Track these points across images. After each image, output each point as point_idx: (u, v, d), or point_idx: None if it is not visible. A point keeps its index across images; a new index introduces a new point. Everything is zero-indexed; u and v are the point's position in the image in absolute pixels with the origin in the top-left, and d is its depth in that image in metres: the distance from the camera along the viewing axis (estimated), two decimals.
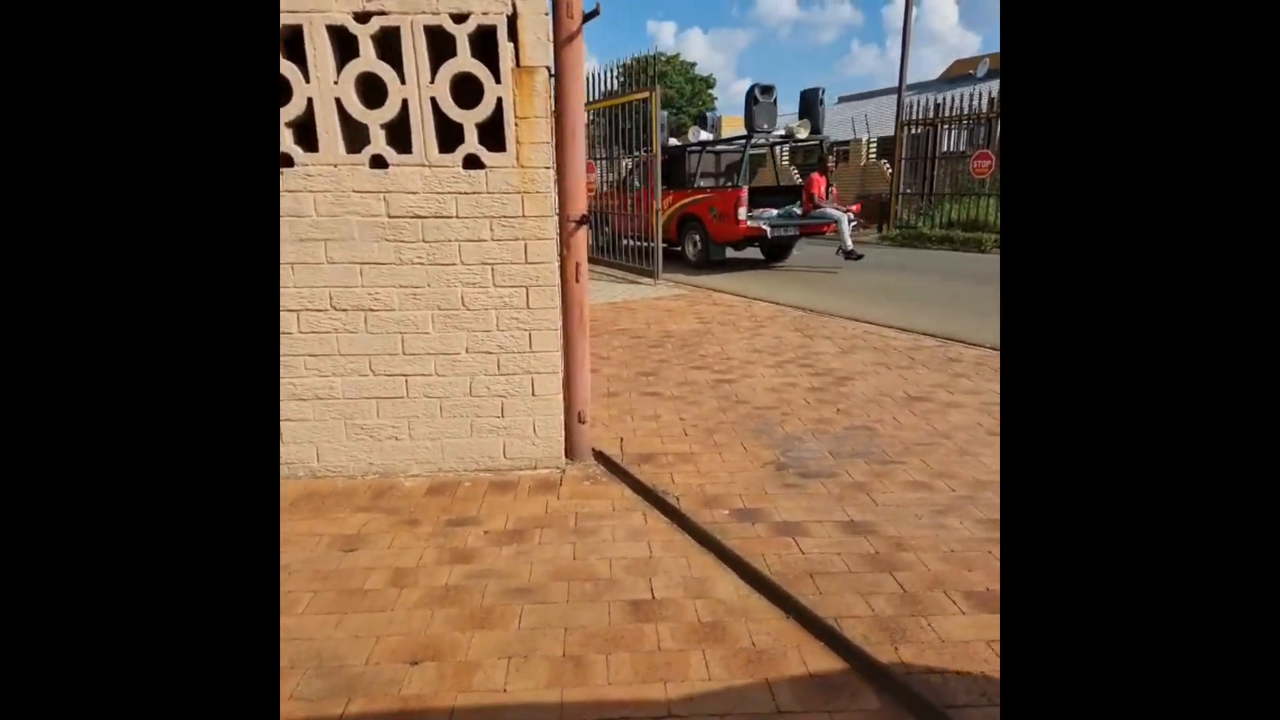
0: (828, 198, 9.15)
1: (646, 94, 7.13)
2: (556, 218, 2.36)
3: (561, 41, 2.21)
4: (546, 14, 2.14)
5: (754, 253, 9.88)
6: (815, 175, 9.35)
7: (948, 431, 2.91)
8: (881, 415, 3.12)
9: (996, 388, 3.51)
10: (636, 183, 8.06)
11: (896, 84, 14.33)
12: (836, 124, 23.92)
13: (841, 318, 5.56)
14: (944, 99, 13.89)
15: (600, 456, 2.59)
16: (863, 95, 32.02)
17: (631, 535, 2.04)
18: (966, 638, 1.56)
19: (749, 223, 8.27)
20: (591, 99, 8.22)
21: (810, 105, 9.16)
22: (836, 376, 3.76)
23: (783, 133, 9.27)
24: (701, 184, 9.44)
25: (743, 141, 8.89)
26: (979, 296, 6.79)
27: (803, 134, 9.01)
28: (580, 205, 2.37)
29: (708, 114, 10.72)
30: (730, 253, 9.22)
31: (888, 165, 16.29)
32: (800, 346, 4.48)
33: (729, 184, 9.36)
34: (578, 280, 2.42)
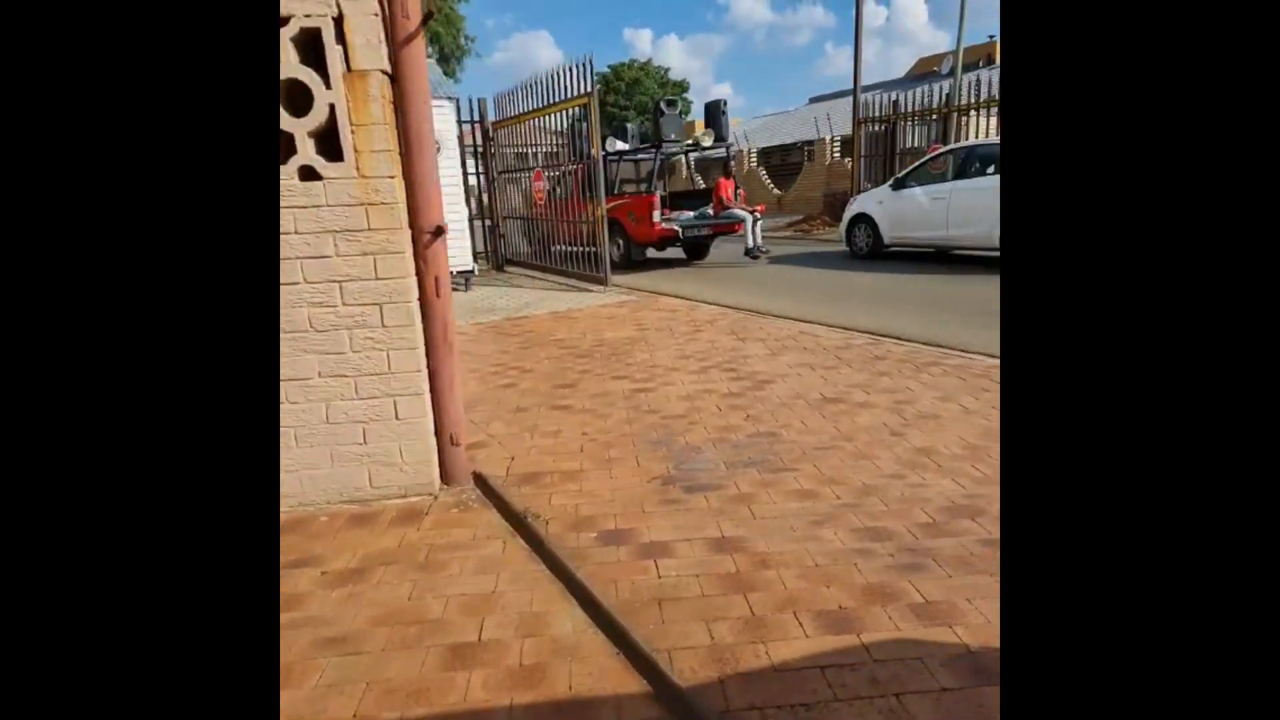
0: (735, 199, 9.72)
1: (584, 100, 7.03)
2: (408, 231, 2.23)
3: (399, 43, 2.08)
4: (377, 15, 2.02)
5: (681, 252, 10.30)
6: (722, 179, 9.85)
7: (851, 434, 2.80)
8: (790, 419, 3.01)
9: (913, 384, 3.42)
10: (562, 190, 8.07)
11: (870, 83, 14.39)
12: (807, 124, 24.04)
13: (785, 318, 5.47)
14: (900, 96, 13.93)
15: (479, 480, 2.46)
16: (832, 95, 32.28)
17: (482, 568, 1.91)
18: (800, 665, 1.44)
19: (663, 224, 8.88)
20: (534, 107, 8.11)
21: (714, 115, 9.79)
22: (757, 380, 3.66)
23: (690, 142, 9.89)
24: (626, 190, 9.98)
25: (652, 151, 9.51)
26: (924, 291, 6.74)
27: (707, 142, 9.67)
28: (435, 216, 2.25)
29: (627, 125, 11.03)
30: (652, 253, 9.80)
31: (849, 162, 16.31)
32: (730, 350, 4.38)
33: (645, 190, 9.73)
34: (439, 295, 2.29)
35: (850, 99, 14.57)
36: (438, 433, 2.39)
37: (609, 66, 49.66)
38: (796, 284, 7.69)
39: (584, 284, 7.71)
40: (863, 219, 9.38)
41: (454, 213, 7.41)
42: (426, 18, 2.11)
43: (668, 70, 51.43)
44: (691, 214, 9.69)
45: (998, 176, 7.94)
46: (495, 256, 10.17)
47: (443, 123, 7.16)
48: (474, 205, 10.27)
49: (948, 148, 9.65)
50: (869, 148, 14.26)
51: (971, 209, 7.80)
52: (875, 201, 9.33)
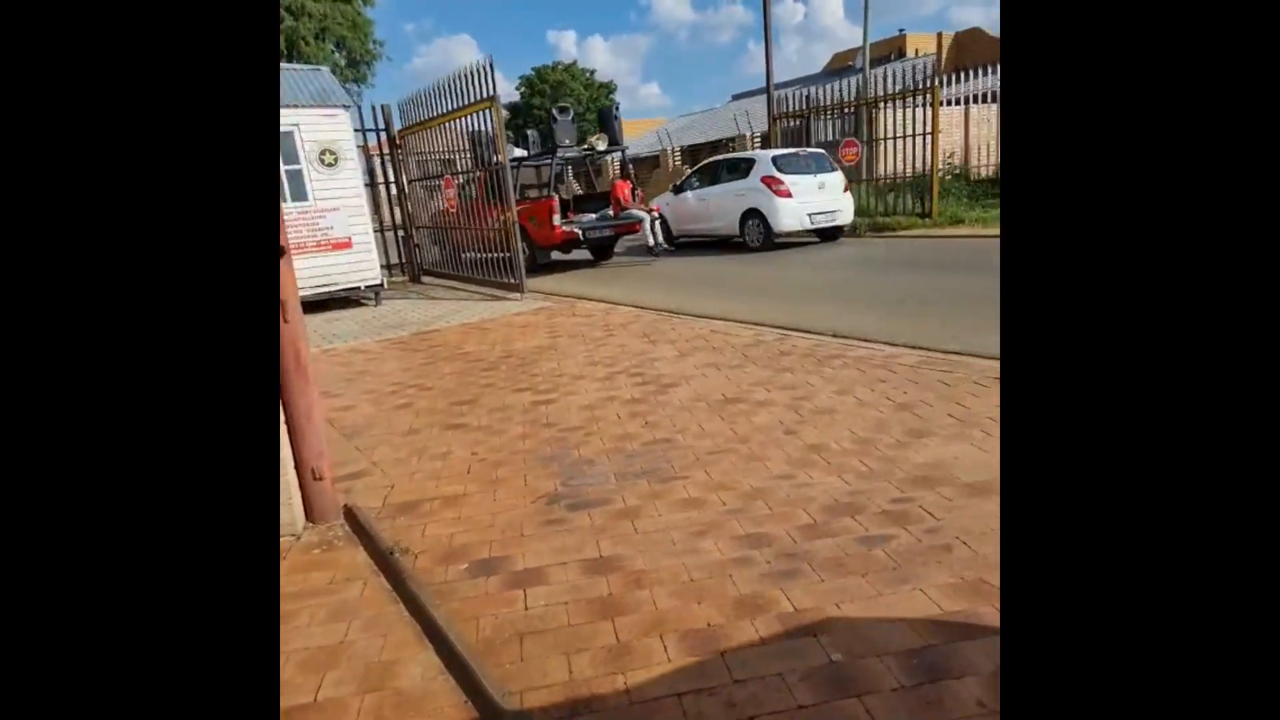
0: (634, 200, 10.08)
1: (488, 104, 6.85)
2: None
3: None
4: None
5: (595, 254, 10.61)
6: (619, 182, 10.33)
7: (747, 435, 2.77)
8: (689, 424, 2.96)
9: (814, 379, 3.42)
10: (470, 197, 7.97)
11: (789, 79, 14.61)
12: (729, 122, 24.34)
13: (702, 316, 5.45)
14: (813, 91, 14.21)
15: (350, 514, 2.30)
16: (754, 92, 32.83)
17: (336, 615, 1.76)
18: (658, 693, 1.37)
19: (564, 227, 9.20)
20: (440, 112, 7.88)
21: (606, 120, 10.27)
22: (662, 384, 3.60)
23: (585, 147, 10.19)
24: (529, 195, 10.20)
25: (548, 156, 9.73)
26: (836, 282, 6.85)
27: (601, 146, 10.03)
28: (280, 236, 2.08)
29: (529, 132, 11.02)
30: (557, 256, 10.05)
31: None
32: (640, 354, 4.31)
33: (545, 194, 9.89)
34: (286, 320, 2.13)
35: (784, 90, 14.78)
36: (298, 468, 2.22)
37: (533, 69, 49.15)
38: (716, 279, 7.71)
39: (501, 293, 7.53)
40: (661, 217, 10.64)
41: (358, 225, 7.13)
42: None
43: (593, 72, 51.34)
44: (593, 216, 10.01)
45: (736, 181, 10.04)
46: (411, 268, 9.86)
47: (338, 132, 6.89)
48: (386, 215, 9.92)
49: (720, 157, 11.33)
50: (785, 142, 14.51)
51: (722, 206, 10.12)
52: (665, 203, 11.08)
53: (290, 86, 6.99)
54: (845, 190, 10.32)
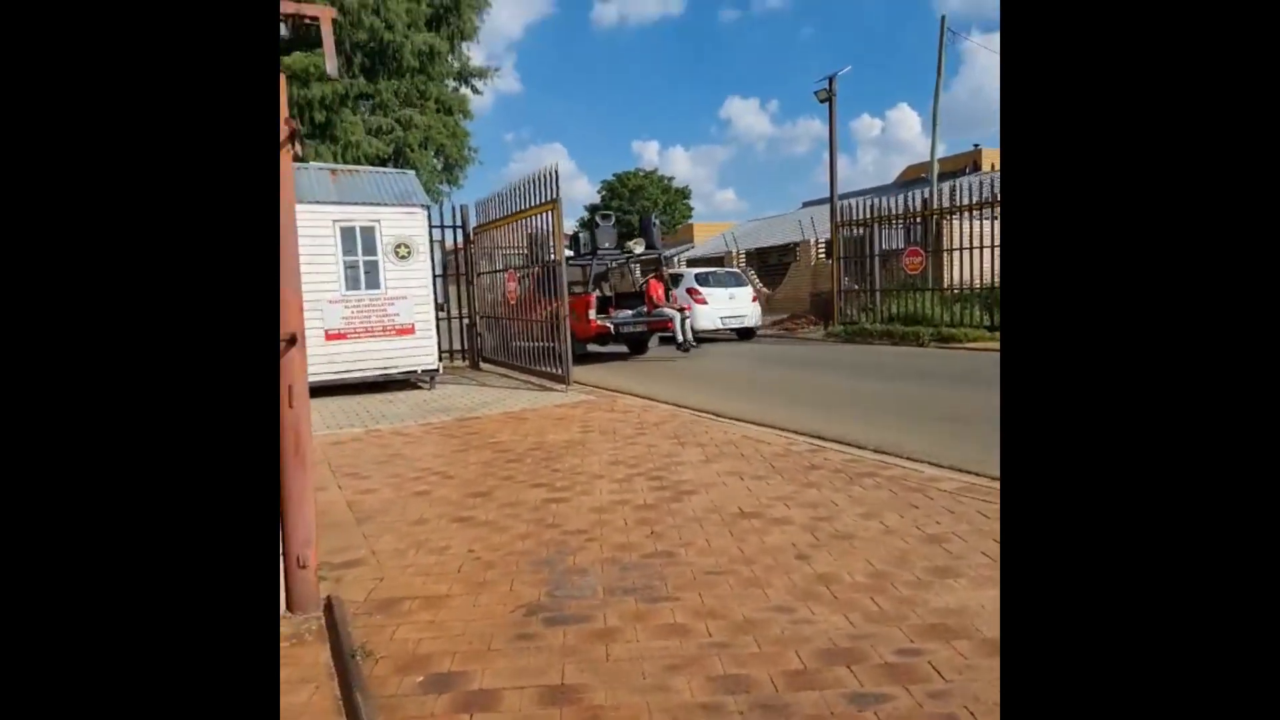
0: (667, 299, 10.86)
1: (550, 206, 7.21)
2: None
3: None
4: None
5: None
6: (653, 281, 11.13)
7: (754, 555, 2.59)
8: (695, 537, 2.81)
9: (840, 498, 3.22)
10: (527, 290, 8.27)
11: (861, 188, 14.94)
12: (795, 227, 24.79)
13: (739, 420, 5.33)
14: (878, 201, 14.34)
15: (329, 607, 2.25)
16: (822, 200, 33.54)
17: None
18: None
19: (599, 321, 9.92)
20: (502, 214, 8.35)
21: (645, 227, 11.48)
22: (679, 490, 3.46)
23: (624, 249, 11.25)
24: (574, 291, 10.76)
25: (590, 257, 10.73)
26: (883, 394, 6.61)
27: (638, 250, 11.20)
28: (290, 324, 2.17)
29: (578, 234, 11.73)
30: (594, 348, 10.76)
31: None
32: (665, 456, 4.20)
33: (583, 291, 10.90)
34: (291, 405, 2.17)
35: (840, 203, 14.99)
36: (285, 553, 2.20)
37: (614, 175, 52.18)
38: (765, 384, 7.59)
39: (548, 383, 7.63)
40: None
41: (421, 313, 7.47)
42: (290, 136, 2.11)
43: (671, 178, 53.90)
44: (630, 313, 10.75)
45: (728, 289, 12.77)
46: (472, 354, 10.19)
47: (415, 229, 7.36)
48: (454, 305, 10.42)
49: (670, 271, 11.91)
50: (848, 250, 14.56)
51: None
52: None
53: (378, 187, 7.60)
54: (753, 300, 13.33)
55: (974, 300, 11.93)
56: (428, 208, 7.58)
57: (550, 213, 7.24)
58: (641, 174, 52.00)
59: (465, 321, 10.26)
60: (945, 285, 12.53)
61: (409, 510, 3.36)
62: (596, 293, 10.72)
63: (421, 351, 7.49)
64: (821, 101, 15.14)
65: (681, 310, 10.52)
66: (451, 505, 3.41)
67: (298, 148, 2.19)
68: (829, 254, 21.35)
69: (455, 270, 10.05)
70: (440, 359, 10.14)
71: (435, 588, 2.42)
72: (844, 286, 14.38)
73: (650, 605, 2.22)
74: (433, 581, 2.47)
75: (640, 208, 49.93)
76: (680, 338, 10.16)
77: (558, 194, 7.10)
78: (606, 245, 10.75)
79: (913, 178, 32.01)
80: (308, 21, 2.13)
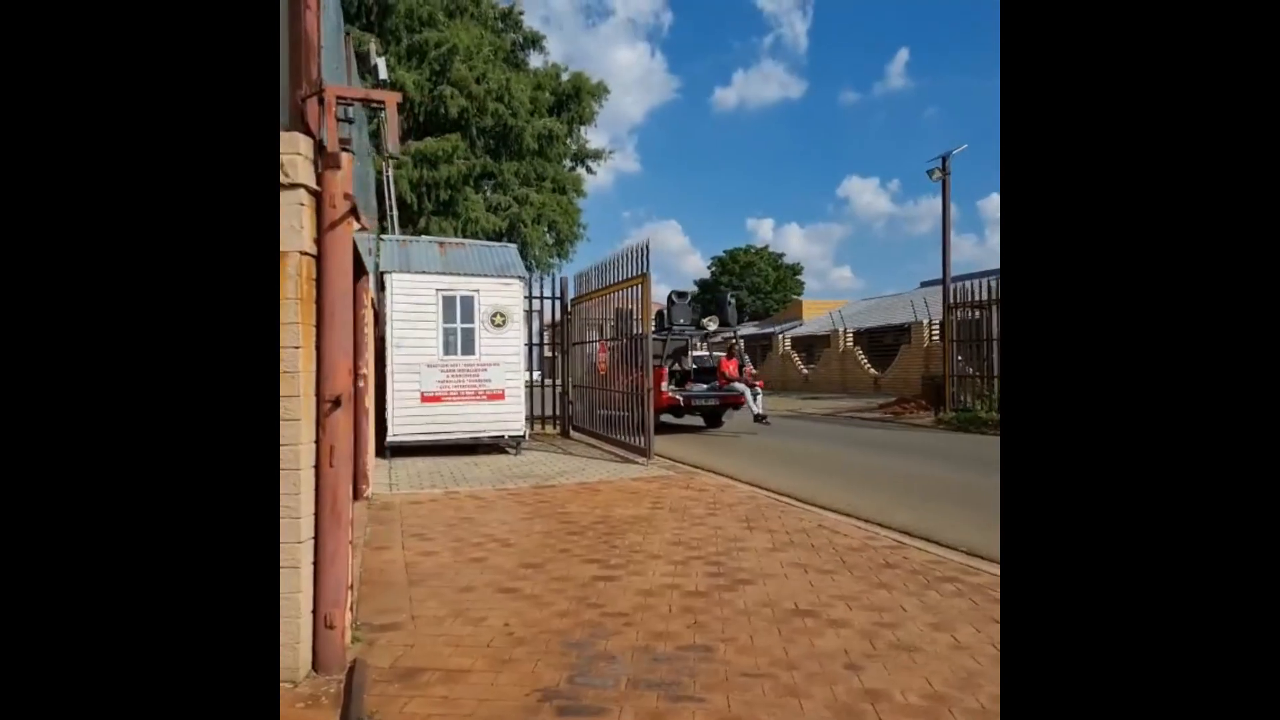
0: (741, 375, 11.15)
1: (640, 280, 7.37)
2: (313, 399, 2.27)
3: (325, 228, 2.26)
4: (304, 205, 2.21)
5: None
6: (725, 358, 11.40)
7: (798, 660, 2.36)
8: (739, 633, 2.61)
9: (912, 603, 2.91)
10: (615, 362, 8.43)
11: (986, 269, 14.36)
12: (905, 308, 23.92)
13: (818, 508, 5.04)
14: (998, 282, 13.60)
15: (351, 671, 2.25)
16: (940, 280, 32.29)
17: None
18: None
19: (670, 393, 10.39)
20: (597, 287, 8.62)
21: (720, 306, 12.35)
22: (736, 579, 3.27)
23: (696, 327, 11.89)
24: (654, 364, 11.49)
25: (665, 332, 11.33)
26: (987, 489, 6.03)
27: (712, 327, 11.86)
28: (338, 386, 2.28)
29: (659, 310, 12.28)
30: (668, 419, 11.37)
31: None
32: (732, 540, 4.01)
33: (658, 365, 11.51)
34: (331, 465, 2.26)
35: (959, 284, 14.35)
36: (315, 612, 2.25)
37: (725, 251, 53.07)
38: (860, 471, 7.17)
39: (631, 455, 7.59)
40: None
41: (512, 380, 7.73)
42: (351, 210, 2.29)
43: (782, 255, 54.05)
44: (705, 387, 11.33)
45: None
46: (563, 422, 10.39)
47: (511, 299, 7.73)
48: (550, 374, 10.78)
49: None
50: (962, 333, 13.80)
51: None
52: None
53: (481, 259, 8.11)
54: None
55: None
56: (524, 279, 7.95)
57: (639, 286, 7.39)
58: (752, 250, 52.48)
59: (559, 390, 10.53)
60: None
61: (460, 577, 3.36)
62: (668, 366, 11.34)
63: (510, 416, 7.72)
64: (935, 180, 14.82)
65: (752, 386, 10.94)
66: (503, 574, 3.39)
67: (363, 220, 2.36)
68: (943, 336, 20.42)
69: (552, 340, 10.42)
70: (532, 425, 10.46)
71: (460, 660, 2.37)
72: (957, 371, 13.58)
73: (671, 704, 2.05)
74: (460, 654, 2.43)
75: (750, 283, 50.19)
76: (756, 409, 10.68)
77: (647, 268, 7.26)
78: (681, 322, 11.52)
79: None
80: (374, 106, 2.32)
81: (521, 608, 2.90)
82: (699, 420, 11.79)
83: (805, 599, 2.99)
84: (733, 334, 12.26)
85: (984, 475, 6.76)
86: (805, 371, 26.47)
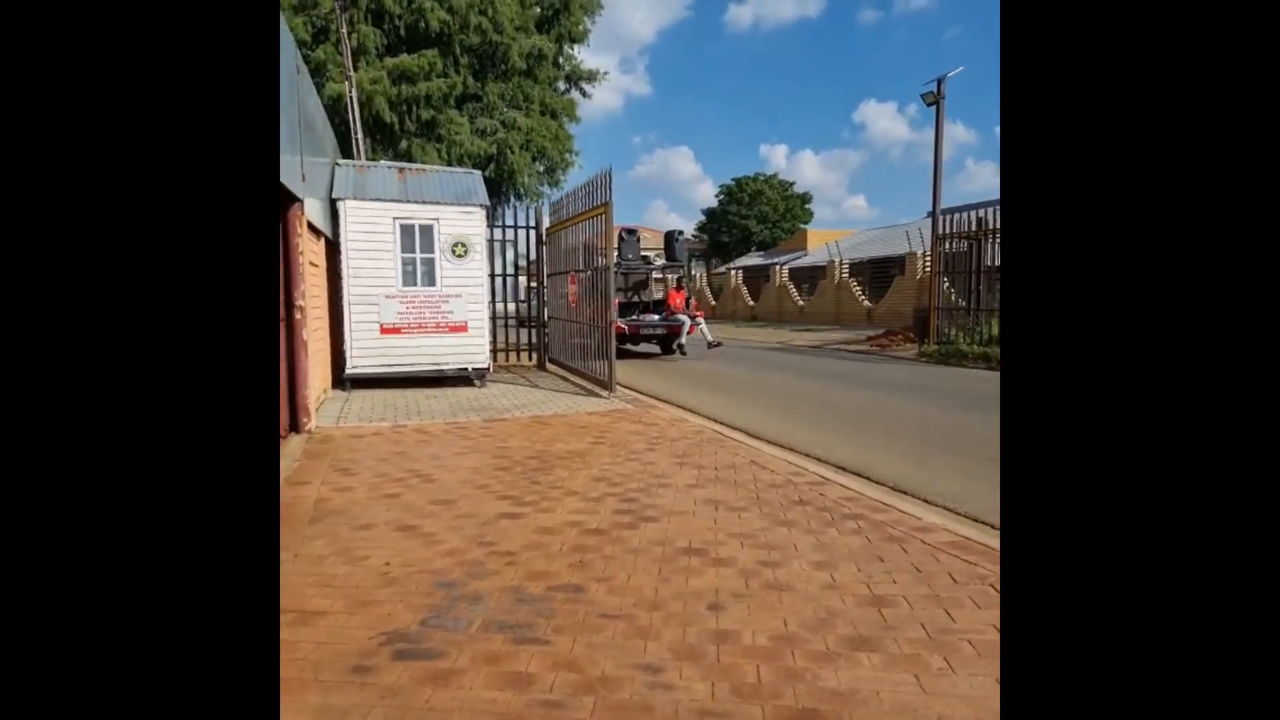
0: (687, 306, 12.61)
1: (602, 210, 7.13)
2: None
3: None
4: None
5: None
6: (673, 291, 12.75)
7: (665, 600, 2.34)
8: (618, 572, 2.59)
9: (807, 541, 2.88)
10: (580, 295, 8.45)
11: (991, 200, 13.90)
12: (900, 238, 23.31)
13: (764, 443, 5.01)
14: (986, 213, 13.17)
15: None
16: (950, 210, 31.34)
17: None
18: None
19: (618, 323, 10.42)
20: (569, 216, 8.36)
21: (669, 242, 13.52)
22: (642, 517, 3.24)
23: (643, 261, 13.37)
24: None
25: (626, 265, 12.56)
26: (948, 424, 5.98)
27: (659, 262, 13.45)
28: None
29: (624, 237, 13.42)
30: (627, 346, 12.30)
31: (945, 279, 15.42)
32: (657, 476, 3.98)
33: (627, 297, 13.35)
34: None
35: (944, 215, 13.87)
36: None
37: (733, 179, 51.52)
38: (831, 406, 7.12)
39: (595, 388, 7.55)
40: None
41: (475, 312, 7.62)
42: None
43: (791, 183, 52.47)
44: (656, 318, 12.62)
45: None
46: (540, 354, 10.33)
47: (472, 227, 7.52)
48: (528, 306, 10.67)
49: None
50: (954, 264, 13.47)
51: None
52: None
53: (439, 186, 7.84)
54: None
55: None
56: (486, 207, 7.71)
57: (601, 217, 7.15)
58: (761, 179, 50.96)
59: (534, 322, 10.43)
60: None
61: (366, 513, 3.35)
62: (629, 298, 12.85)
63: (474, 349, 7.64)
64: (929, 105, 14.16)
65: (693, 317, 12.26)
66: (409, 512, 3.37)
67: None
68: (931, 268, 19.98)
69: (528, 270, 10.24)
70: (508, 356, 10.42)
71: (320, 602, 2.36)
72: (947, 304, 13.34)
73: (514, 648, 2.03)
74: (324, 595, 2.42)
75: (758, 212, 48.97)
76: (709, 338, 12.46)
77: (609, 197, 7.00)
78: (630, 258, 12.64)
79: None
80: None
81: (411, 546, 2.89)
82: (668, 351, 12.70)
83: (702, 537, 2.96)
84: (682, 268, 13.66)
85: (943, 409, 6.70)
86: (801, 303, 26.22)
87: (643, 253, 13.67)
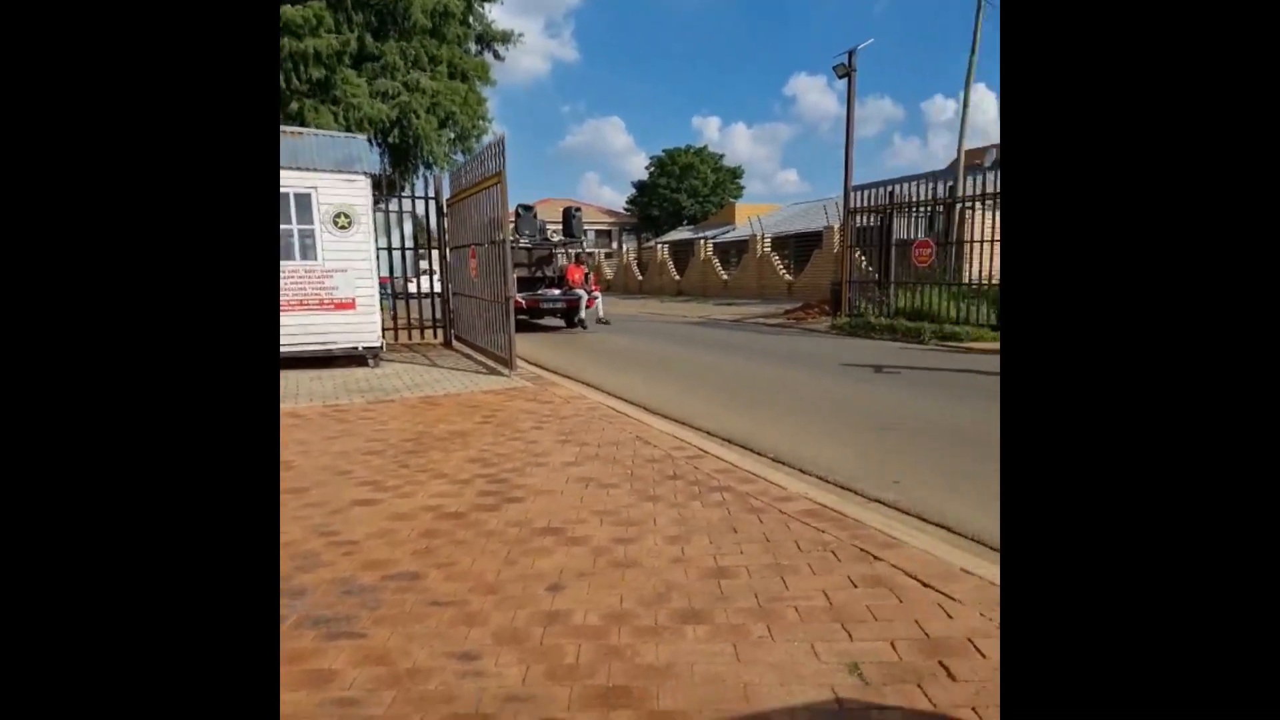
0: (586, 281, 12.87)
1: (495, 180, 6.88)
2: None
3: None
4: None
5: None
6: (571, 266, 13.00)
7: (505, 583, 2.25)
8: (464, 556, 2.48)
9: (666, 516, 2.84)
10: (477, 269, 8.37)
11: (923, 173, 14.22)
12: (819, 214, 23.82)
13: (658, 417, 4.98)
14: (898, 188, 13.54)
15: None
16: (872, 184, 32.21)
17: None
18: None
19: (517, 298, 10.51)
20: (467, 186, 8.05)
21: (567, 218, 13.59)
22: (507, 498, 3.14)
23: (545, 236, 13.47)
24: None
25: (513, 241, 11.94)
26: (841, 395, 6.13)
27: (556, 238, 13.47)
28: None
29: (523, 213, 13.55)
30: (525, 318, 12.38)
31: (860, 253, 15.84)
32: (536, 455, 3.88)
33: (531, 272, 13.45)
34: None
35: (876, 188, 14.12)
36: None
37: (664, 151, 51.10)
38: (737, 379, 7.17)
39: (497, 365, 7.36)
40: None
41: (363, 288, 7.27)
42: None
43: (722, 156, 52.42)
44: (557, 292, 12.75)
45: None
46: (446, 330, 10.00)
47: (355, 197, 7.13)
48: (429, 280, 10.26)
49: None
50: (867, 238, 13.84)
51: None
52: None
53: (318, 151, 7.37)
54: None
55: (983, 297, 11.16)
56: (370, 176, 7.31)
57: (496, 188, 6.90)
58: (692, 151, 50.77)
59: (440, 298, 10.08)
60: (967, 281, 11.74)
61: None
62: (534, 273, 12.99)
63: (364, 327, 7.29)
64: (840, 77, 14.35)
65: (590, 291, 12.66)
66: None
67: None
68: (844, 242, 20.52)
69: (427, 243, 9.85)
70: (410, 334, 10.04)
71: None
72: (861, 277, 13.71)
73: (323, 644, 1.90)
74: None
75: (688, 186, 48.85)
76: (600, 314, 13.07)
77: (503, 166, 6.75)
78: (527, 233, 12.85)
79: (970, 164, 30.46)
80: None
81: None
82: (571, 324, 12.91)
83: (563, 516, 2.88)
84: (580, 245, 13.92)
85: (840, 381, 6.86)
86: (725, 277, 26.51)
87: (551, 228, 13.86)
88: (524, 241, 12.83)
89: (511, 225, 10.79)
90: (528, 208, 13.26)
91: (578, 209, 14.14)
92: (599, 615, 2.03)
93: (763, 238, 24.22)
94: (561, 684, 1.69)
